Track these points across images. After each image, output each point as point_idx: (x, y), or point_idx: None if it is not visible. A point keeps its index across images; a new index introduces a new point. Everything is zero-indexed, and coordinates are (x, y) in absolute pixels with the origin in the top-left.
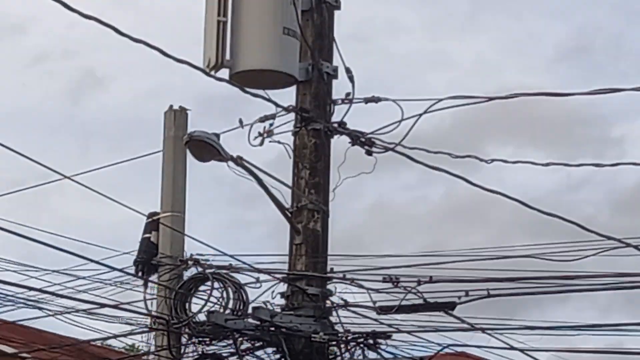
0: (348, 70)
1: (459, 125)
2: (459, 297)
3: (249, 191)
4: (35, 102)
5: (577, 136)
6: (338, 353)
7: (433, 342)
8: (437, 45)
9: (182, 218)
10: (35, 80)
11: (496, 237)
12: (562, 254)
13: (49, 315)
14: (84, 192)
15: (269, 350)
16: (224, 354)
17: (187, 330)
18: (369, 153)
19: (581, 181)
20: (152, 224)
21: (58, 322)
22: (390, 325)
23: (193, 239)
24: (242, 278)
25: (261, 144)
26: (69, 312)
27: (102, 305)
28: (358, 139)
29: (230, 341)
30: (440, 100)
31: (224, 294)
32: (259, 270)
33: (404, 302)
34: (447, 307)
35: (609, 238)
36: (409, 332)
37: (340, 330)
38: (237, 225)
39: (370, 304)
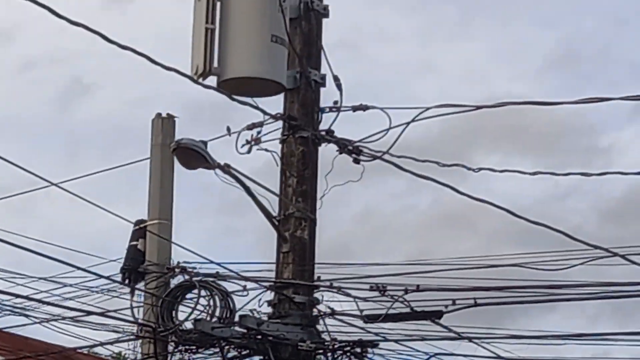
0: (336, 78)
1: (447, 133)
2: (446, 306)
3: (237, 199)
4: (23, 110)
5: (565, 145)
6: None
7: (420, 351)
8: (426, 54)
9: (169, 226)
10: (23, 87)
11: (484, 245)
12: (550, 263)
13: (36, 322)
14: (72, 200)
15: (256, 358)
16: None
17: (173, 338)
18: (357, 161)
19: (569, 190)
20: (139, 231)
21: (45, 329)
22: (377, 334)
23: (180, 246)
24: (229, 286)
25: (249, 151)
26: (55, 320)
27: (89, 313)
28: (346, 147)
29: (217, 349)
30: (428, 108)
31: (211, 302)
32: (246, 278)
33: (391, 311)
34: (434, 316)
35: (596, 247)
36: (395, 341)
37: (327, 338)
38: (224, 233)
39: (357, 313)
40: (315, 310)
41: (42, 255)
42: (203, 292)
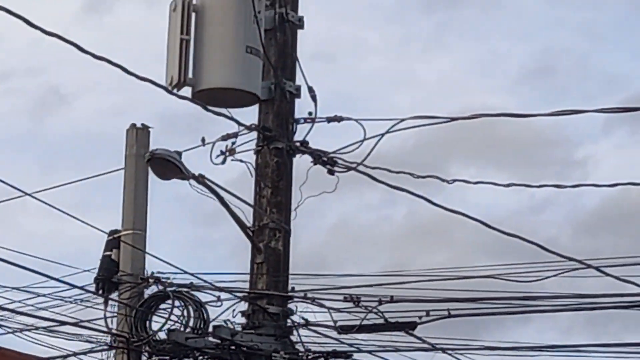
0: (311, 90)
1: (422, 145)
2: (420, 317)
3: (211, 210)
4: None
5: (541, 157)
6: None
7: None
8: (401, 65)
9: (143, 236)
10: None
11: (458, 257)
12: (523, 274)
13: (9, 332)
14: (46, 210)
15: None
16: None
17: (147, 348)
18: (331, 172)
19: (544, 202)
20: (113, 241)
21: (18, 339)
22: (351, 345)
23: (154, 257)
24: (203, 296)
25: (223, 162)
26: (29, 330)
27: (62, 323)
28: (320, 158)
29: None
30: (403, 120)
31: (185, 313)
32: (220, 289)
33: (364, 322)
34: (408, 327)
35: (570, 259)
36: (369, 352)
37: (301, 349)
38: (198, 244)
39: (331, 324)
40: (289, 321)
41: (15, 265)
42: (177, 303)
